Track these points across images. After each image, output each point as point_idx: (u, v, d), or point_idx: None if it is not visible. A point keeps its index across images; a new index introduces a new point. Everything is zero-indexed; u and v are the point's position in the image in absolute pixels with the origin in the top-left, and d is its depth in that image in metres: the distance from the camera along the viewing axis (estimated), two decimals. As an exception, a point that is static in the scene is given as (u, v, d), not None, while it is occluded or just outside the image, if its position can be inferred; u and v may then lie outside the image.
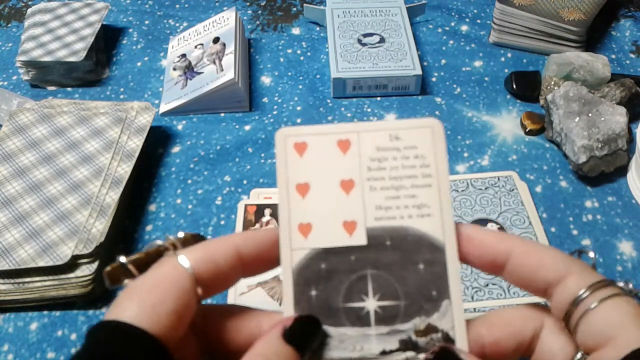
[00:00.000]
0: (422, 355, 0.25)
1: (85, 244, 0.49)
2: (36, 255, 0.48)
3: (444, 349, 0.25)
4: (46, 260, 0.48)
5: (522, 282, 0.26)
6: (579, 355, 0.24)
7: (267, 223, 0.54)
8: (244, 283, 0.49)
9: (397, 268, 0.26)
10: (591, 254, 0.27)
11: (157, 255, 0.26)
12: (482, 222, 0.54)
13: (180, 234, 0.27)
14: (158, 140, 0.63)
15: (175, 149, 0.63)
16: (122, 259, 0.25)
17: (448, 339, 0.25)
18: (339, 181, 0.27)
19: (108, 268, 0.25)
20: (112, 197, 0.53)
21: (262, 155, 0.62)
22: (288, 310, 0.26)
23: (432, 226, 0.26)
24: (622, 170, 0.59)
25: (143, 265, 0.25)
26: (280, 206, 0.26)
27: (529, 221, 0.53)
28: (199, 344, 0.26)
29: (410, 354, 0.25)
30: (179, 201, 0.58)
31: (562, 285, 0.24)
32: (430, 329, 0.25)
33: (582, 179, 0.58)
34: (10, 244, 0.49)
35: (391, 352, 0.25)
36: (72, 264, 0.48)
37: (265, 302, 0.48)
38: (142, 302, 0.23)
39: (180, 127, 0.65)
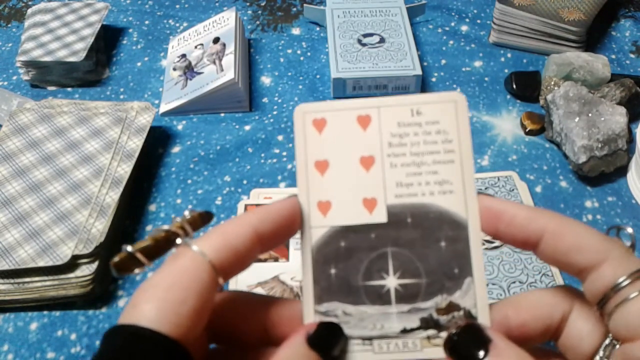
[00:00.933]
0: (444, 333, 0.25)
1: (85, 244, 0.49)
2: (36, 255, 0.48)
3: (469, 325, 0.24)
4: (46, 260, 0.48)
5: (555, 263, 0.25)
6: (607, 341, 0.23)
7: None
8: (243, 283, 0.49)
9: (419, 245, 0.25)
10: (629, 230, 0.25)
11: (166, 241, 0.24)
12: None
13: (187, 213, 0.25)
14: (158, 140, 0.63)
15: (175, 149, 0.63)
16: (129, 248, 0.23)
17: (470, 316, 0.25)
18: (359, 158, 0.26)
19: (116, 259, 0.23)
20: (112, 197, 0.53)
21: (262, 155, 0.62)
22: (307, 288, 0.25)
23: (454, 203, 0.25)
24: (622, 170, 0.59)
25: (153, 253, 0.24)
26: (298, 184, 0.26)
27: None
28: (206, 335, 0.26)
29: (431, 332, 0.25)
30: (179, 201, 0.58)
31: (599, 270, 0.23)
32: (452, 307, 0.25)
33: (582, 179, 0.58)
34: (10, 244, 0.49)
35: (412, 330, 0.25)
36: (72, 264, 0.48)
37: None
38: (161, 303, 0.22)
39: (180, 127, 0.65)
